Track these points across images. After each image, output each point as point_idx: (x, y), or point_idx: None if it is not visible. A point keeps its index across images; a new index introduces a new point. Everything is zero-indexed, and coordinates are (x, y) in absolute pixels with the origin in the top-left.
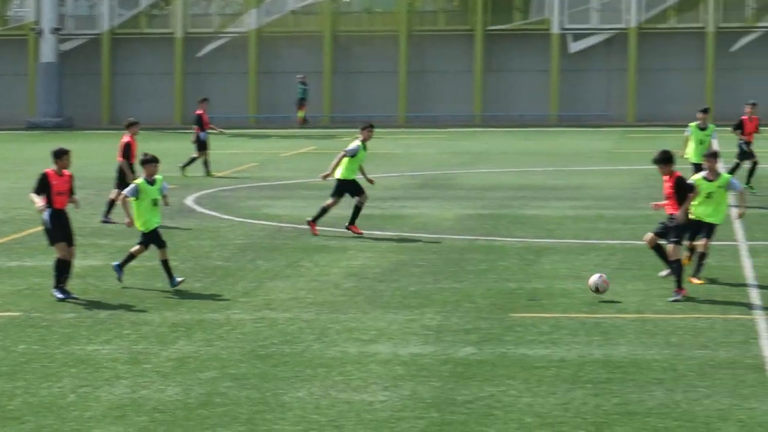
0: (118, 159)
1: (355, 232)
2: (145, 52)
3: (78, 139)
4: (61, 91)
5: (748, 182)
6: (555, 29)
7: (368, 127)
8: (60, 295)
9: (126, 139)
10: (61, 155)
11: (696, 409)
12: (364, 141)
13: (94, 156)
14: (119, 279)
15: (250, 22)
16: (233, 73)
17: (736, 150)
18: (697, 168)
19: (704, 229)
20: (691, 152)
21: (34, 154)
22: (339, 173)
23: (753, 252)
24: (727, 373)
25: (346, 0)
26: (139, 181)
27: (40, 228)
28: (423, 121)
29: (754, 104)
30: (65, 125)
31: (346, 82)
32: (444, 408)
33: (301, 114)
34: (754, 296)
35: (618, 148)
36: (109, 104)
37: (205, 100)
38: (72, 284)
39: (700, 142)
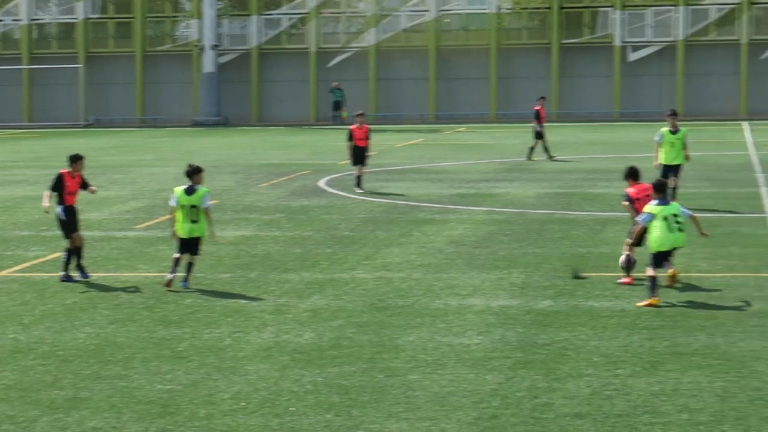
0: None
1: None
2: (286, 63)
3: (233, 134)
4: (219, 96)
5: None
6: (617, 42)
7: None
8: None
9: (350, 126)
10: (76, 160)
11: (733, 350)
12: None
13: (246, 147)
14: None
15: (370, 38)
16: (357, 80)
17: None
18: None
19: None
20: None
21: (197, 146)
22: None
23: None
24: (759, 320)
25: (447, 20)
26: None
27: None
28: (510, 117)
29: None
30: (222, 123)
31: (448, 86)
32: (527, 349)
33: (344, 114)
34: None
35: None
36: (258, 106)
37: (542, 98)
38: (227, 250)
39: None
